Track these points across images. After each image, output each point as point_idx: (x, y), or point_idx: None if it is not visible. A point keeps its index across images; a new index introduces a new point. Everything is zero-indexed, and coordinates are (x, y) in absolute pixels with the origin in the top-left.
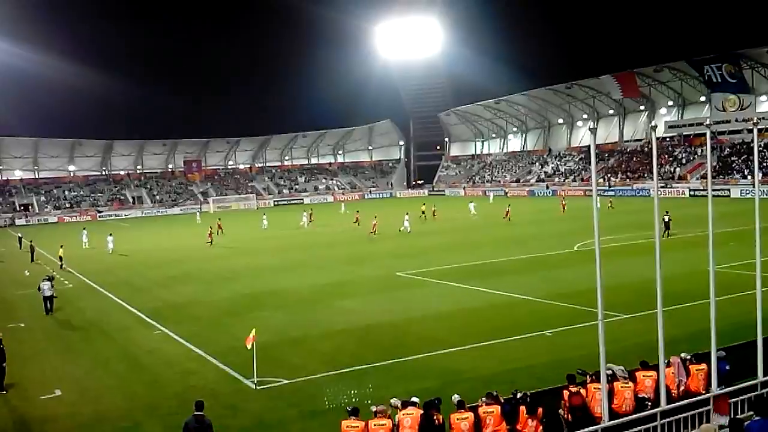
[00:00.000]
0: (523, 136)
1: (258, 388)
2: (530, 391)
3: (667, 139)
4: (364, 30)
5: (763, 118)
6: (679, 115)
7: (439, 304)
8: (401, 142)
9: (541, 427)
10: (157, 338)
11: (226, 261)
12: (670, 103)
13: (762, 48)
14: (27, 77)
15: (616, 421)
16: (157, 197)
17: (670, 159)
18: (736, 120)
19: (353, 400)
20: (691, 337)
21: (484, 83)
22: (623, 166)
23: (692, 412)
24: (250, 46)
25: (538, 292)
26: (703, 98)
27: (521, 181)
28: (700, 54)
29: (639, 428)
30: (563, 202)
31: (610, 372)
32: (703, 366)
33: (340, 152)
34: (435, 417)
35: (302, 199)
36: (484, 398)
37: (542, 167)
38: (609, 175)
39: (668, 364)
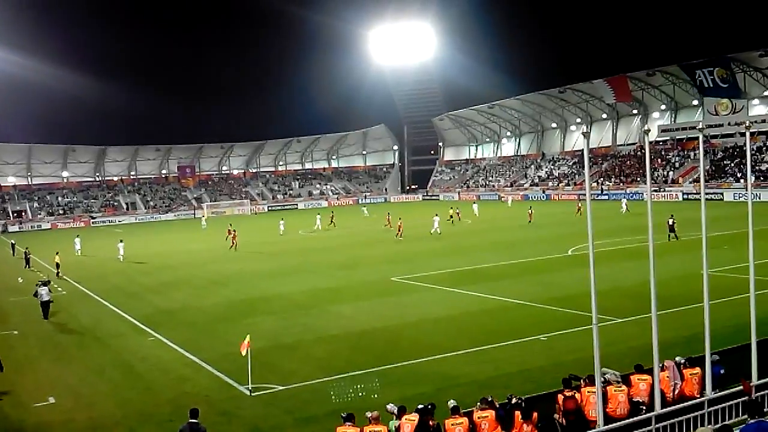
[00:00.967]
0: (517, 140)
1: (252, 394)
2: (525, 395)
3: (660, 143)
4: (357, 35)
5: (756, 122)
6: (672, 119)
7: (433, 309)
8: (395, 147)
9: None
10: (152, 345)
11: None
12: (663, 107)
13: (754, 52)
14: (20, 83)
15: (611, 425)
16: (151, 203)
17: (663, 163)
18: (729, 124)
19: (348, 404)
20: (686, 340)
21: (478, 88)
22: (616, 170)
23: (687, 416)
24: (244, 51)
25: (533, 296)
26: (695, 102)
27: (514, 185)
28: (693, 57)
29: None
30: (579, 205)
31: (603, 378)
32: (697, 370)
33: (334, 157)
34: (431, 423)
35: (296, 205)
36: (478, 403)
37: (536, 171)
38: (602, 179)
39: (663, 368)
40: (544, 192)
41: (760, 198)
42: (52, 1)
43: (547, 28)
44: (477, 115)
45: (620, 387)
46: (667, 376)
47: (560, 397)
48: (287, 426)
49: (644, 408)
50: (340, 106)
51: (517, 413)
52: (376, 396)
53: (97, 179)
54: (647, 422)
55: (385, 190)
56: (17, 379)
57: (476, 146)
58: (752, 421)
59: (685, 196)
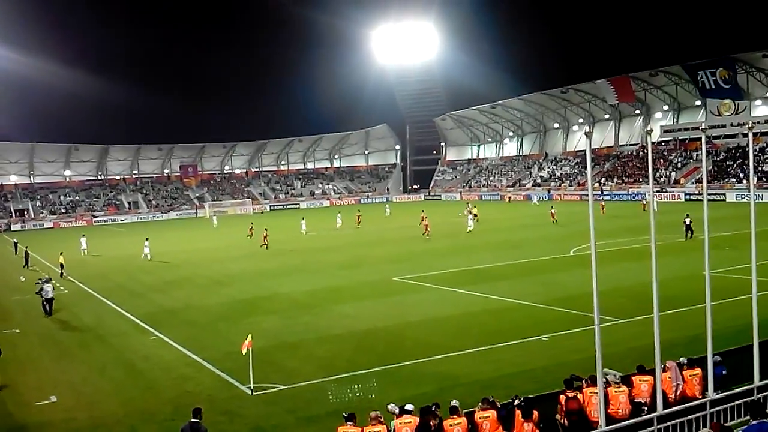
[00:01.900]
0: (519, 140)
1: (254, 393)
2: (527, 395)
3: (663, 144)
4: (360, 35)
5: (758, 123)
6: (675, 120)
7: (435, 309)
8: (397, 147)
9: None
10: (153, 344)
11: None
12: (666, 107)
13: (757, 52)
14: (23, 82)
15: (613, 426)
16: (153, 202)
17: (666, 163)
18: (732, 124)
19: (348, 404)
20: (688, 341)
21: (480, 87)
22: (619, 170)
23: (689, 417)
24: (247, 50)
25: (535, 296)
26: (698, 102)
27: (517, 185)
28: (696, 58)
29: None
30: (602, 203)
31: (604, 379)
32: (698, 371)
33: (336, 157)
34: (432, 423)
35: (298, 204)
36: (480, 403)
37: (539, 171)
38: (605, 179)
39: (665, 369)
40: (549, 192)
41: (762, 199)
42: None
43: (550, 28)
44: (479, 115)
45: (620, 388)
46: (669, 377)
47: (562, 397)
48: (289, 425)
49: (646, 409)
50: (343, 105)
51: (518, 413)
52: (372, 396)
53: (100, 178)
54: (649, 423)
55: (387, 189)
56: (19, 378)
57: (478, 146)
58: (754, 422)
59: (688, 197)
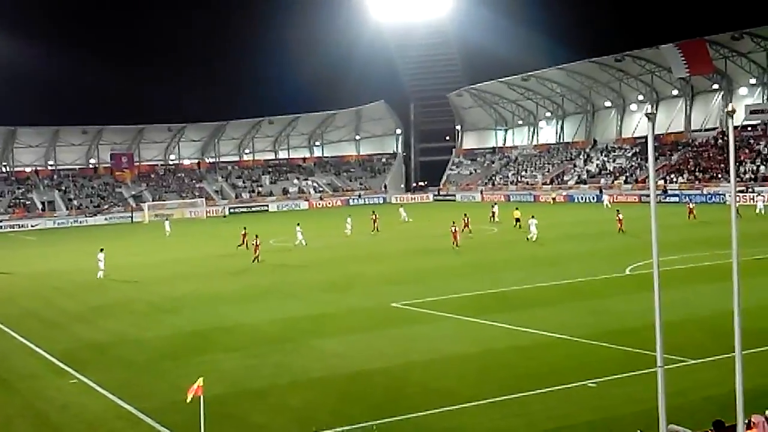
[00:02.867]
0: (559, 123)
1: None
2: None
3: (749, 128)
4: None
5: None
6: (764, 98)
7: (447, 345)
8: (398, 131)
9: None
10: (74, 389)
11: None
12: (753, 81)
13: None
14: None
15: None
16: (75, 202)
17: (752, 154)
18: None
19: None
20: None
21: (508, 54)
22: (690, 163)
23: None
24: (203, 9)
25: (579, 329)
26: None
27: (555, 182)
28: None
29: None
30: (690, 206)
31: None
32: None
33: (317, 144)
34: None
35: (267, 206)
36: None
37: (585, 164)
38: (672, 174)
39: (750, 425)
40: (601, 192)
41: None
42: None
43: None
44: (507, 90)
45: None
46: None
47: None
48: None
49: None
50: (326, 76)
51: None
52: None
53: (4, 171)
54: None
55: (384, 187)
56: None
57: (505, 131)
58: None
59: None
